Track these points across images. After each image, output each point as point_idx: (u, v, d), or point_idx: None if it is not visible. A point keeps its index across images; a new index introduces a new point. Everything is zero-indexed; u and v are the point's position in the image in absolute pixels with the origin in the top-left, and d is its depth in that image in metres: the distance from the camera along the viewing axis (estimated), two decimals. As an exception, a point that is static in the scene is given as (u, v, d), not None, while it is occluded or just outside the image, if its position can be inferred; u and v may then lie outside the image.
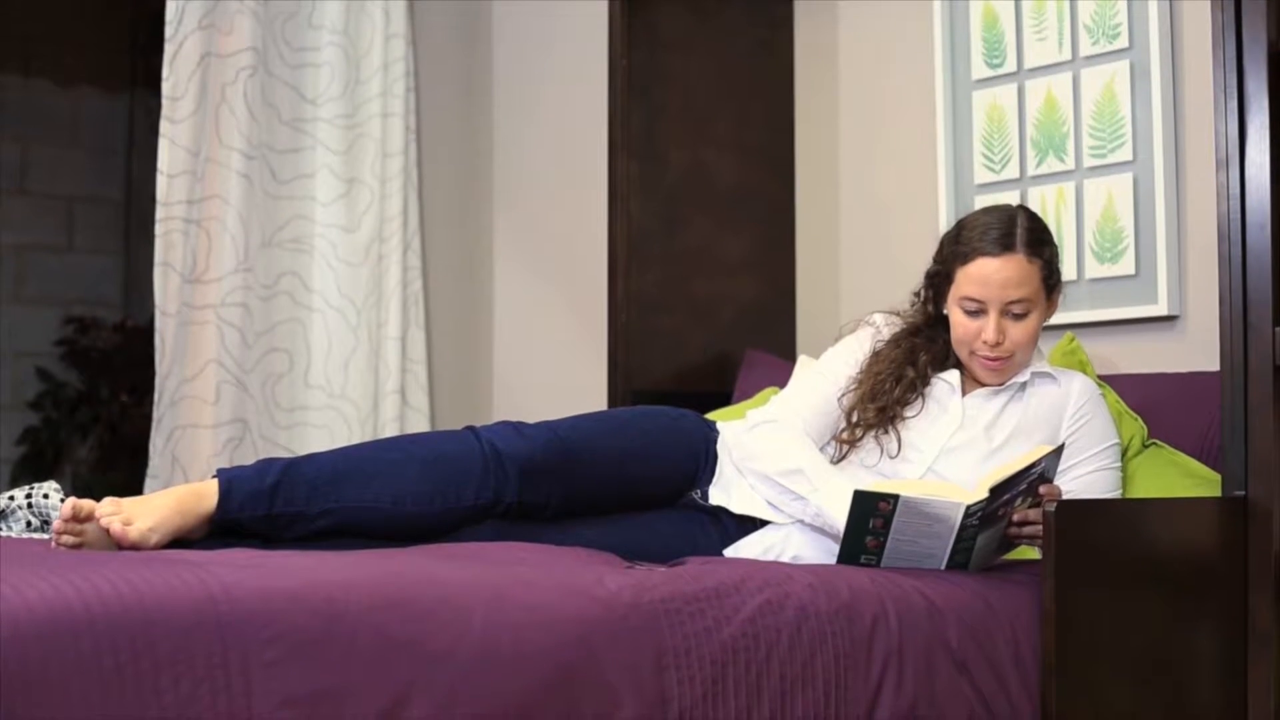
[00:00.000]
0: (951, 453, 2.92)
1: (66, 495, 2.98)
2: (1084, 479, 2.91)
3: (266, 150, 4.46)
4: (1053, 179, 3.71)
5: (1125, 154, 3.57)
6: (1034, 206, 3.71)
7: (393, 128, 4.64)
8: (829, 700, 2.30)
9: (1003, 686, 2.48)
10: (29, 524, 2.92)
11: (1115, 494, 2.95)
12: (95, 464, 7.46)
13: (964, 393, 2.99)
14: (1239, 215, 2.68)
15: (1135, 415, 3.17)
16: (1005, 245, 2.94)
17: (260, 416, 4.42)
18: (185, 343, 4.29)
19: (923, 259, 3.69)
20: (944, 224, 3.87)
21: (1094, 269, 3.63)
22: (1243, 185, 2.69)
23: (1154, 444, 3.13)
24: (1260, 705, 2.61)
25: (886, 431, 2.94)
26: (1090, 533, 2.53)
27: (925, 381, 2.99)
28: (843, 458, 2.96)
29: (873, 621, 2.39)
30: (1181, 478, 3.03)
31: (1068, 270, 3.63)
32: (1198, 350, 3.38)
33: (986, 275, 2.93)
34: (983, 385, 3.00)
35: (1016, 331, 2.93)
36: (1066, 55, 3.70)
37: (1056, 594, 2.47)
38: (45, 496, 2.92)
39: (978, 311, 2.94)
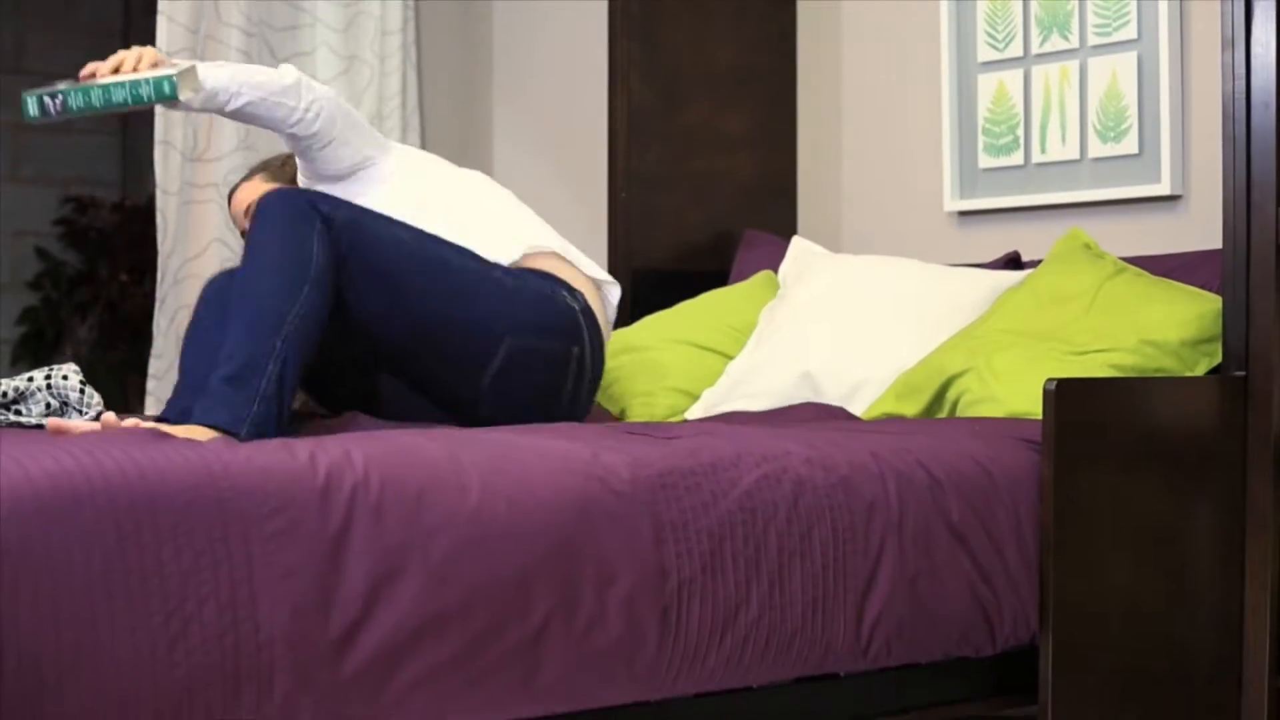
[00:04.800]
0: None
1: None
2: None
3: (265, 28, 4.42)
4: (1056, 57, 3.69)
5: (1130, 32, 3.55)
6: (1037, 85, 3.69)
7: (391, 5, 4.60)
8: (827, 572, 2.31)
9: (1002, 560, 2.49)
10: (48, 406, 2.91)
11: None
12: (95, 344, 7.48)
13: None
14: (1244, 95, 2.67)
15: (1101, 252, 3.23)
16: None
17: (261, 295, 4.40)
18: (187, 222, 4.27)
19: (924, 136, 3.66)
20: (947, 102, 3.85)
21: (1097, 148, 3.61)
22: (1248, 65, 2.67)
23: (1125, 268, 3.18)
24: (1258, 582, 2.63)
25: None
26: (1090, 411, 2.54)
27: None
28: None
29: (871, 495, 2.40)
30: (1166, 290, 3.08)
31: (1070, 149, 3.62)
32: (1200, 230, 3.38)
33: None
34: None
35: None
36: (1072, -69, 3.67)
37: (1056, 471, 2.48)
38: (64, 378, 2.92)
39: None
